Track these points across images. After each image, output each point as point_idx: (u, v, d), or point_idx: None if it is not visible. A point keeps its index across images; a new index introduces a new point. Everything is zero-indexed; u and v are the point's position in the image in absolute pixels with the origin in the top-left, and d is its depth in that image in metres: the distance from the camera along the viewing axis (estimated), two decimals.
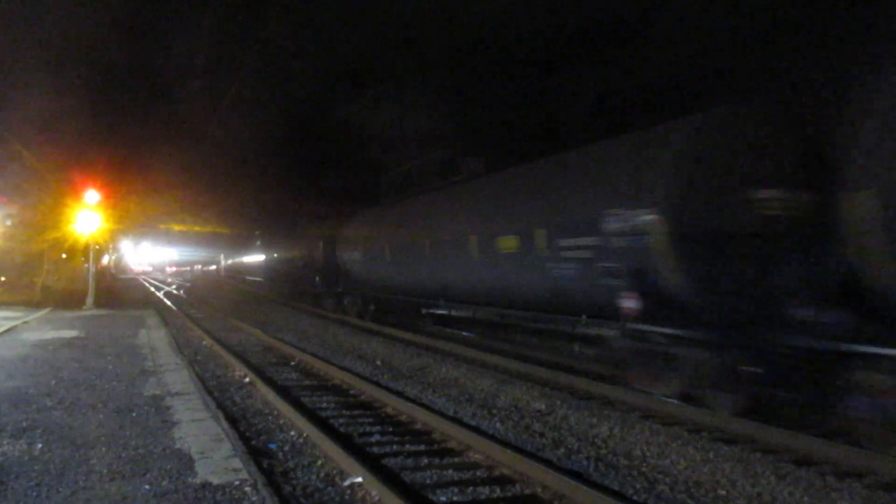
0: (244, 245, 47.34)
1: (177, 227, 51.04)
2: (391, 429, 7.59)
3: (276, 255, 34.58)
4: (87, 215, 24.83)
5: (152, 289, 47.94)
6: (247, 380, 10.29)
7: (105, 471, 5.47)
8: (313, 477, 5.84)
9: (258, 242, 40.95)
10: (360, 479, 5.58)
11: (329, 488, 5.57)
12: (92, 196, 24.34)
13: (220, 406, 8.20)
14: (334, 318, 21.62)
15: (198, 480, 5.23)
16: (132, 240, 74.13)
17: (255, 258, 42.35)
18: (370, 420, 8.03)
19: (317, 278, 24.35)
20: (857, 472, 5.85)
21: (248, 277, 45.89)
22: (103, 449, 6.11)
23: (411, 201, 17.20)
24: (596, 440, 7.14)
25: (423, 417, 7.72)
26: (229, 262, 61.40)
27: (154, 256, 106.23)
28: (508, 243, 11.19)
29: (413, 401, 8.66)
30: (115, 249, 65.69)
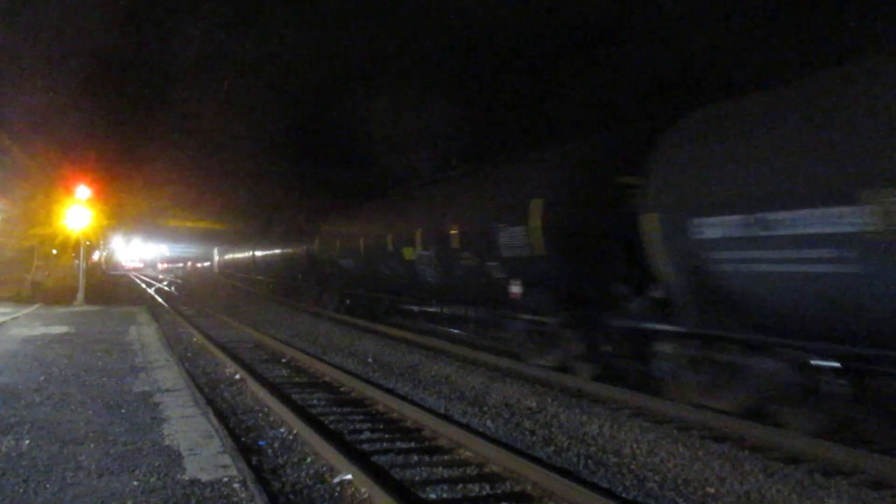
0: (252, 237, 39.49)
1: (169, 223, 50.73)
2: (381, 426, 7.58)
3: (341, 242, 19.92)
4: (77, 211, 24.68)
5: (143, 285, 47.73)
6: (237, 376, 10.26)
7: (93, 467, 5.45)
8: (303, 474, 5.83)
9: (283, 229, 31.31)
10: (349, 477, 5.58)
11: (318, 485, 5.57)
12: (83, 191, 24.20)
13: (210, 403, 8.17)
14: (327, 316, 18.21)
15: (186, 477, 5.21)
16: (123, 236, 73.94)
17: (278, 251, 30.34)
18: (360, 417, 8.02)
19: (514, 288, 10.71)
20: (844, 470, 5.89)
21: (261, 277, 36.08)
22: (92, 445, 6.08)
23: None
24: (586, 438, 7.16)
25: (413, 415, 7.72)
26: (227, 257, 53.04)
27: (145, 253, 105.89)
28: None
29: (404, 398, 8.66)
30: (106, 245, 65.43)
